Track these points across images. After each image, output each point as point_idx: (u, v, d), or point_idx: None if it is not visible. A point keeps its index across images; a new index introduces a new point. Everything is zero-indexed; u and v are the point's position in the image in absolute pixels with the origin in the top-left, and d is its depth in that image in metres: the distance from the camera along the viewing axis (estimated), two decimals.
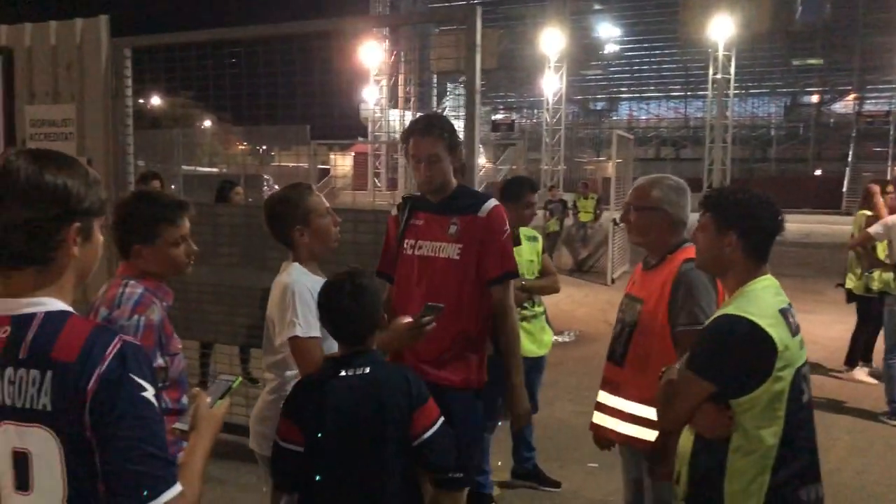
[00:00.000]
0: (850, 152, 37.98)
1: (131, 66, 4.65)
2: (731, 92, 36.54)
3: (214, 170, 25.14)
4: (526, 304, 4.39)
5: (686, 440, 2.33)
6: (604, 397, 2.95)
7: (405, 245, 3.03)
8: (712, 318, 2.30)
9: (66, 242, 1.40)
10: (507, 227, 3.00)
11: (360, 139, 39.70)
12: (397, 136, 40.12)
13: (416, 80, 42.41)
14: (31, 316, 1.37)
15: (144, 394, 1.35)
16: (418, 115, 3.02)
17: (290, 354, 2.63)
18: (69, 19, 4.71)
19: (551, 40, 35.39)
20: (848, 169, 36.31)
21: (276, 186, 25.42)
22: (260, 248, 4.49)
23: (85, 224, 1.42)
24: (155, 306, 2.24)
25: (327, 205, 2.80)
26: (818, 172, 40.36)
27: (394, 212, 3.17)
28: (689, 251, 2.71)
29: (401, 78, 41.14)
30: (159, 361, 2.18)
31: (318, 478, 2.28)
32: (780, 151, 43.11)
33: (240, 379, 1.79)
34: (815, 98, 44.50)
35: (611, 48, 46.93)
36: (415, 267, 2.98)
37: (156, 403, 1.37)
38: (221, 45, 4.88)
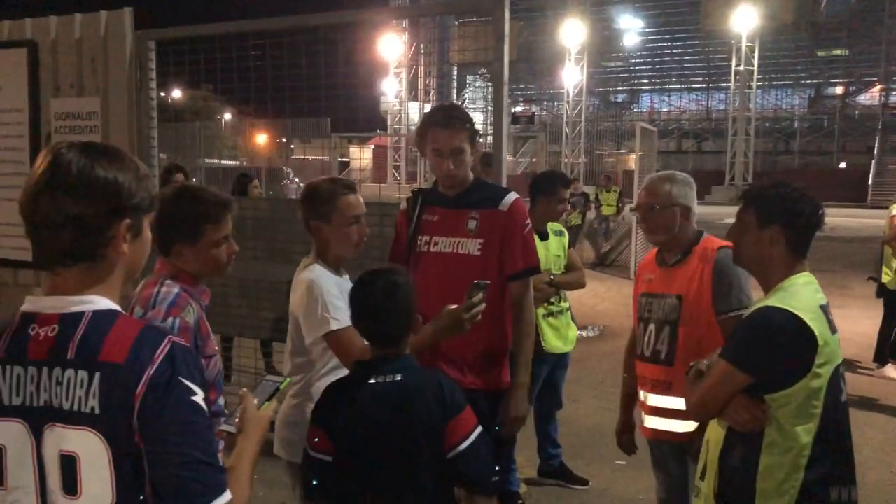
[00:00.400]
0: (876, 145, 37.40)
1: (155, 58, 4.63)
2: (755, 84, 36.17)
3: (235, 162, 25.22)
4: (552, 300, 4.33)
5: (715, 434, 2.28)
6: (656, 400, 2.87)
7: (419, 242, 2.90)
8: (752, 309, 2.24)
9: (115, 239, 1.35)
10: (529, 220, 2.93)
11: (379, 132, 39.72)
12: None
13: (435, 72, 42.31)
14: (79, 315, 1.32)
15: (194, 398, 1.30)
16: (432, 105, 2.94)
17: (317, 356, 2.57)
18: (94, 12, 4.70)
19: (572, 32, 35.16)
20: (874, 161, 35.78)
21: (297, 179, 25.49)
22: (285, 241, 4.46)
23: (135, 220, 1.38)
24: (190, 307, 2.17)
25: (361, 212, 2.64)
26: (842, 165, 39.85)
27: (402, 205, 3.07)
28: (714, 240, 2.83)
29: (420, 70, 41.06)
30: None
31: (347, 490, 2.19)
32: (803, 144, 42.64)
33: (288, 380, 1.74)
34: (839, 90, 43.94)
35: (632, 40, 46.51)
36: (431, 265, 2.85)
37: (205, 408, 1.32)
38: (244, 38, 4.84)
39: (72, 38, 4.74)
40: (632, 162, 40.33)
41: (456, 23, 43.79)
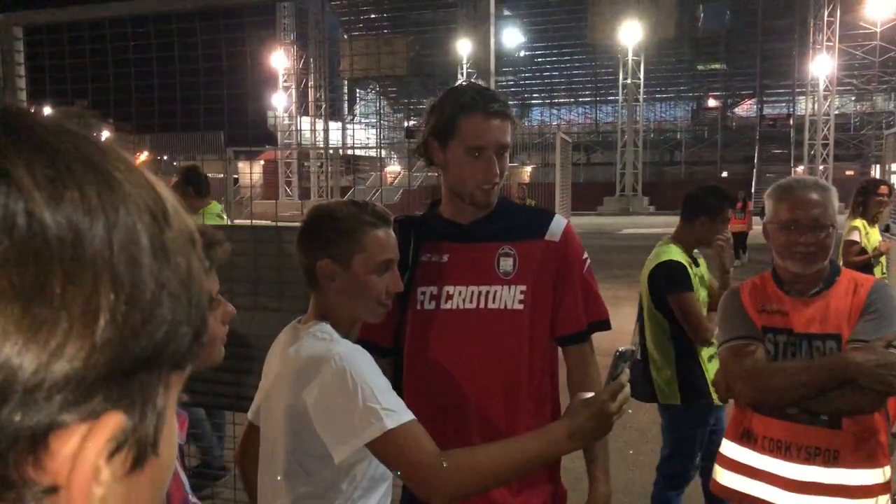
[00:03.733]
0: (756, 155, 39.18)
1: (23, 48, 3.64)
2: (641, 97, 37.21)
3: None
4: None
5: None
6: (815, 473, 2.12)
7: (419, 296, 1.96)
8: None
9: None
10: (586, 254, 2.08)
11: (268, 147, 38.31)
12: (307, 143, 38.94)
13: (326, 86, 41.31)
14: None
15: None
16: (463, 84, 1.99)
17: (338, 479, 1.60)
18: None
19: (462, 46, 35.12)
20: (754, 171, 37.39)
21: None
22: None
23: (145, 409, 0.40)
24: None
25: (394, 256, 1.72)
26: (724, 174, 41.53)
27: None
28: (850, 271, 2.34)
29: (310, 85, 39.95)
30: None
31: None
32: (688, 155, 44.17)
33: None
34: (719, 102, 45.91)
35: (521, 54, 47.11)
36: (445, 331, 1.94)
37: None
38: (122, 36, 3.94)
39: None
40: (526, 174, 40.72)
41: (346, 37, 43.07)
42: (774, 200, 2.21)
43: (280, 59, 37.69)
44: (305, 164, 37.84)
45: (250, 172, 34.59)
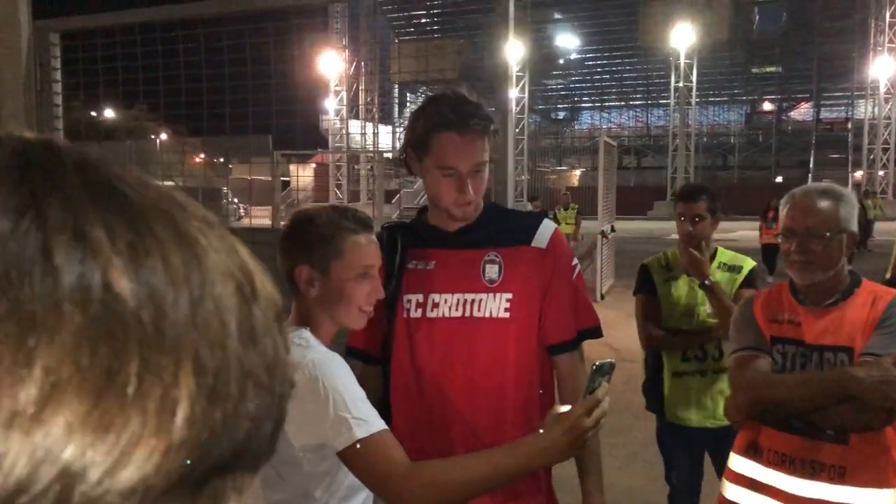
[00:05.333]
0: (811, 159, 38.23)
1: (60, 54, 3.75)
2: (694, 100, 36.64)
3: (170, 183, 23.89)
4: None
5: None
6: (824, 490, 2.03)
7: (405, 304, 1.92)
8: None
9: None
10: (576, 260, 2.04)
11: (320, 150, 38.82)
12: (358, 146, 39.40)
13: (378, 90, 41.70)
14: None
15: None
16: (444, 95, 1.91)
17: (311, 488, 1.60)
18: None
19: (512, 50, 35.09)
20: (809, 176, 36.49)
21: (236, 200, 24.26)
22: None
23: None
24: None
25: (376, 263, 1.67)
26: (779, 179, 40.61)
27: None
28: (873, 283, 2.18)
29: (361, 88, 40.36)
30: None
31: None
32: (741, 159, 43.38)
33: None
34: (774, 105, 44.96)
35: (572, 57, 46.84)
36: (430, 340, 1.90)
37: None
38: (173, 39, 4.04)
39: None
40: (574, 178, 40.47)
41: (396, 40, 43.39)
42: (782, 207, 2.17)
43: (332, 63, 38.12)
44: (356, 167, 38.22)
45: (302, 175, 35.12)
